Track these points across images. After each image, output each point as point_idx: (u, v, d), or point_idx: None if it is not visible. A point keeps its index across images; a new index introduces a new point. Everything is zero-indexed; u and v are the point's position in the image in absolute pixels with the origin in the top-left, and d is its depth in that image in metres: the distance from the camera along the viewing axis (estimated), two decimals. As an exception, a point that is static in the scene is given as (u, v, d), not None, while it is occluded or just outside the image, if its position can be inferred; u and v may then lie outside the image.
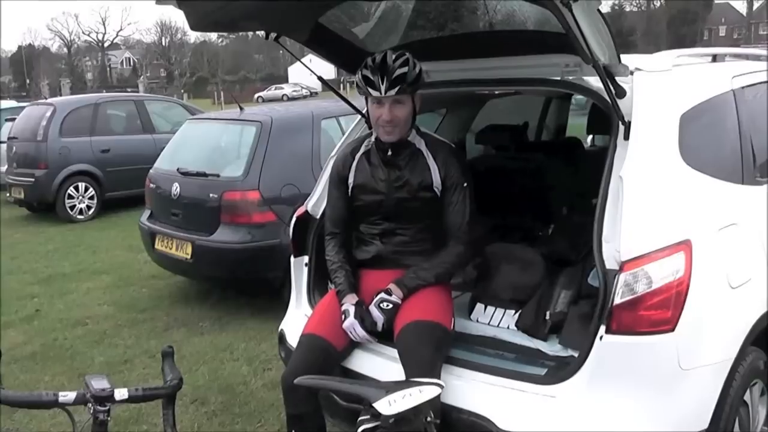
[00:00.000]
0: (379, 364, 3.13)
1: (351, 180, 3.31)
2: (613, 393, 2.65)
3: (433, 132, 3.76)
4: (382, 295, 3.14)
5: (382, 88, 3.00)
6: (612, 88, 2.78)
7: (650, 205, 2.75)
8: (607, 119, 2.94)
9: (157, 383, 2.24)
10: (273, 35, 3.35)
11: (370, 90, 3.03)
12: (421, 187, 3.18)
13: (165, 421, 2.22)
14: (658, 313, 2.61)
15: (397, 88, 3.00)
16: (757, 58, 4.39)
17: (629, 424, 2.63)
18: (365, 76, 3.03)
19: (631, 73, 2.96)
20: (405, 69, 3.00)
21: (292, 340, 3.53)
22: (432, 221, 3.23)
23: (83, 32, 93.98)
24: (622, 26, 72.41)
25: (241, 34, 77.50)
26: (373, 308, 3.14)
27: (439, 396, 2.49)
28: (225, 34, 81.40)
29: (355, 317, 3.15)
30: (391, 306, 3.12)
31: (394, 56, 3.02)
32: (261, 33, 3.45)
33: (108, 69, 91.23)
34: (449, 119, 4.97)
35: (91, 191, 11.78)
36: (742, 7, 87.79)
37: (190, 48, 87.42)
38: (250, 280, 6.29)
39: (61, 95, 36.42)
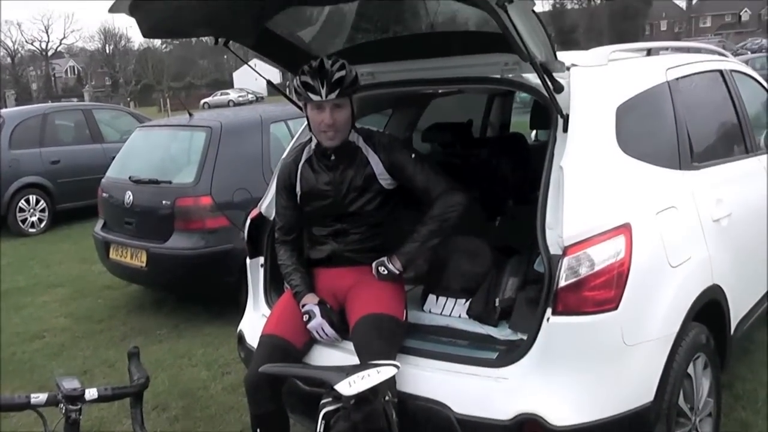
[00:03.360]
0: (338, 357, 3.21)
1: (298, 188, 3.37)
2: (562, 370, 2.77)
3: (381, 132, 3.85)
4: (383, 259, 3.23)
5: (323, 92, 3.06)
6: (549, 83, 2.90)
7: (590, 192, 2.88)
8: (548, 114, 3.07)
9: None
10: (222, 40, 3.42)
11: (311, 95, 3.09)
12: (366, 182, 3.25)
13: (133, 419, 2.28)
14: (602, 293, 2.74)
15: (336, 92, 3.06)
16: (692, 50, 4.58)
17: (578, 398, 2.75)
18: (304, 81, 3.09)
19: (568, 68, 3.09)
20: (343, 72, 3.07)
21: (252, 340, 3.59)
22: (383, 216, 3.32)
23: (26, 41, 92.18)
24: (564, 23, 73.25)
25: (185, 39, 76.77)
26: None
27: (395, 376, 2.59)
28: (169, 39, 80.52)
29: (323, 317, 3.22)
30: (387, 273, 3.22)
31: (330, 61, 3.09)
32: (208, 38, 3.50)
33: (53, 78, 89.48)
34: (395, 119, 5.06)
35: (43, 204, 11.60)
36: (681, 2, 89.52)
37: (134, 55, 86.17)
38: (206, 286, 6.32)
39: (6, 107, 35.64)
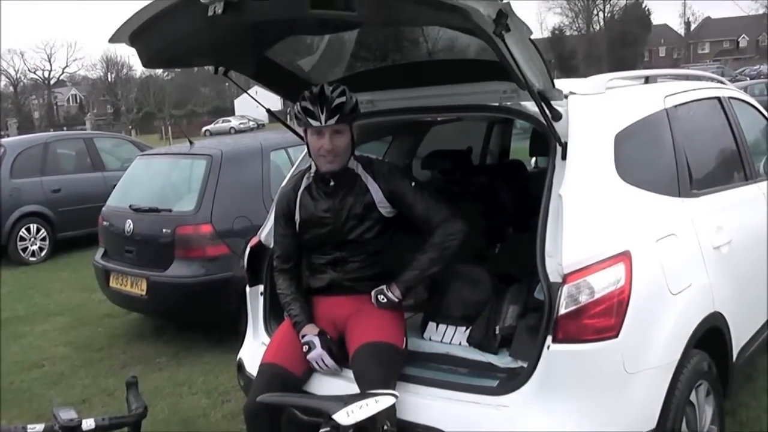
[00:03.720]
0: (338, 386, 3.19)
1: (297, 216, 3.37)
2: (562, 398, 2.77)
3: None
4: (382, 288, 3.23)
5: (322, 117, 3.08)
6: (547, 111, 2.92)
7: (589, 219, 2.89)
8: (547, 142, 3.08)
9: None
10: (222, 69, 3.44)
11: (311, 120, 3.11)
12: (366, 210, 3.25)
13: (131, 449, 2.28)
14: (602, 320, 2.74)
15: (336, 117, 3.08)
16: (687, 78, 4.60)
17: (580, 426, 2.74)
18: (305, 107, 3.11)
19: (566, 96, 3.10)
20: (343, 99, 3.09)
21: (251, 368, 3.58)
22: (382, 244, 3.32)
23: (29, 70, 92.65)
24: (564, 50, 73.72)
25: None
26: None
27: (394, 406, 2.58)
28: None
29: (323, 348, 3.22)
30: (386, 301, 3.21)
31: (331, 88, 3.11)
32: (209, 67, 3.53)
33: (55, 107, 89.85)
34: (395, 146, 5.08)
35: (43, 232, 11.59)
36: (680, 28, 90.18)
37: (136, 83, 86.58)
38: (206, 314, 6.30)
39: (8, 135, 35.78)
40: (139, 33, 2.91)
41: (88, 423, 2.16)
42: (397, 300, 3.23)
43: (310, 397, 2.81)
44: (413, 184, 3.31)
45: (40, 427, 2.13)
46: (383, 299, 3.22)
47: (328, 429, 2.30)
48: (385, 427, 2.49)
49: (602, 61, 66.48)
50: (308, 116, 3.11)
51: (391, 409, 2.56)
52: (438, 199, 3.32)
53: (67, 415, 2.14)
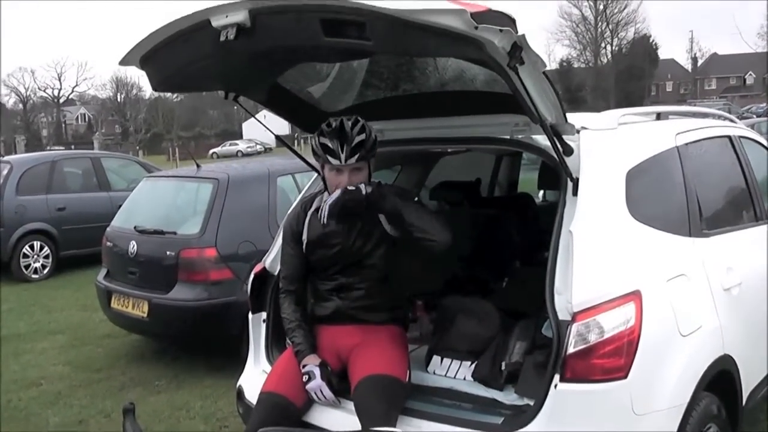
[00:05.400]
0: (339, 417, 3.16)
1: (305, 236, 3.35)
2: (569, 440, 2.71)
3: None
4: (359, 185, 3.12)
5: (342, 156, 3.06)
6: (559, 146, 2.90)
7: (600, 258, 2.85)
8: (557, 175, 3.05)
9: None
10: (232, 95, 3.42)
11: (330, 158, 3.09)
12: (374, 233, 3.24)
13: (127, 479, 2.24)
14: (611, 361, 2.70)
15: (356, 156, 3.06)
16: (700, 115, 4.58)
17: (585, 470, 2.68)
18: (323, 144, 3.09)
19: (578, 131, 3.08)
20: (363, 136, 3.07)
21: (251, 396, 3.53)
22: (387, 271, 3.28)
23: (39, 88, 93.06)
24: (571, 83, 73.97)
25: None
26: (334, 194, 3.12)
27: None
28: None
29: (322, 379, 3.17)
30: (354, 188, 3.09)
31: (350, 123, 3.08)
32: (219, 91, 3.51)
33: (63, 125, 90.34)
34: (404, 176, 5.06)
35: (47, 250, 11.59)
36: (687, 63, 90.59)
37: (146, 104, 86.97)
38: (207, 338, 6.25)
39: (16, 152, 35.97)
40: (149, 56, 2.91)
41: (84, 451, 2.12)
42: (363, 191, 3.10)
43: None
44: (417, 199, 3.29)
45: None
46: (351, 186, 3.10)
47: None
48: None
49: (610, 94, 66.71)
50: (327, 153, 3.09)
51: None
52: (436, 216, 3.28)
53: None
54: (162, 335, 6.83)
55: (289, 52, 3.06)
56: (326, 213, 3.13)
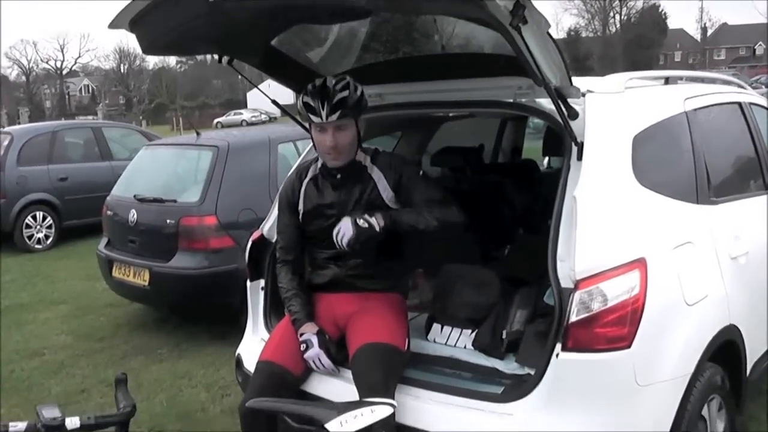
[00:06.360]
0: (337, 386, 3.12)
1: (301, 206, 3.29)
2: (569, 410, 2.66)
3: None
4: (365, 214, 3.08)
5: (323, 113, 2.98)
6: (564, 109, 2.82)
7: (604, 224, 2.78)
8: (562, 141, 2.97)
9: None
10: (226, 58, 3.34)
11: (312, 116, 3.02)
12: (372, 202, 3.16)
13: (118, 449, 2.19)
14: (614, 330, 2.63)
15: (338, 113, 2.98)
16: (709, 80, 4.48)
17: (586, 441, 2.63)
18: (306, 102, 3.02)
19: (583, 95, 2.99)
20: (345, 93, 2.99)
21: (249, 364, 3.49)
22: (385, 240, 3.20)
23: (42, 60, 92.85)
24: (579, 52, 73.49)
25: (199, 59, 77.53)
26: (345, 221, 3.07)
27: (392, 416, 2.48)
28: (183, 59, 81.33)
29: (320, 347, 3.12)
30: (367, 226, 3.05)
31: (334, 81, 3.01)
32: (215, 55, 3.43)
33: (67, 97, 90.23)
34: (404, 141, 5.00)
35: (49, 220, 11.58)
36: (696, 33, 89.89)
37: (149, 74, 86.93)
38: (208, 306, 6.22)
39: (19, 124, 35.93)
40: (138, 19, 2.83)
41: (73, 422, 2.07)
42: (377, 228, 3.05)
43: (302, 404, 2.70)
44: (420, 174, 3.24)
45: (23, 425, 2.04)
46: (364, 224, 3.05)
47: (319, 438, 2.20)
48: (381, 439, 2.39)
49: (617, 64, 66.25)
50: (309, 112, 3.02)
51: (389, 420, 2.47)
52: (444, 194, 3.22)
53: (50, 413, 2.05)
54: (163, 304, 6.81)
55: (281, 12, 2.97)
56: (344, 244, 3.07)
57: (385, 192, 3.17)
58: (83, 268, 9.54)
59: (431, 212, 3.11)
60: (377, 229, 3.05)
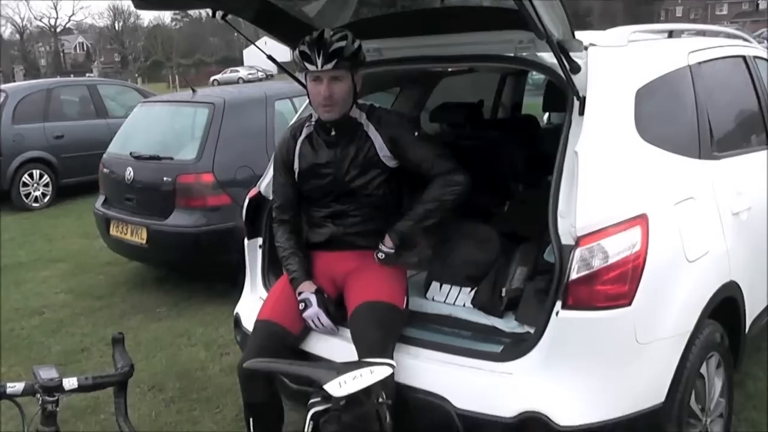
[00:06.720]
0: (336, 345, 3.11)
1: (296, 165, 3.24)
2: (570, 368, 2.65)
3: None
4: (379, 245, 3.12)
5: (319, 62, 2.93)
6: (566, 63, 2.76)
7: (605, 179, 2.74)
8: (563, 96, 2.91)
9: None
10: (220, 13, 3.27)
11: (307, 65, 2.97)
12: (368, 160, 3.12)
13: (117, 409, 2.19)
14: (615, 287, 2.61)
15: (333, 62, 2.93)
16: (713, 33, 4.41)
17: (586, 397, 2.63)
18: (302, 51, 2.97)
19: (586, 48, 2.93)
20: (343, 43, 2.93)
21: (248, 323, 3.49)
22: (385, 197, 3.19)
23: (35, 17, 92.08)
24: (578, 7, 72.65)
25: (194, 15, 76.82)
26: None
27: (391, 376, 2.47)
28: (179, 17, 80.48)
29: (319, 306, 3.10)
30: (384, 257, 3.10)
31: (331, 32, 2.96)
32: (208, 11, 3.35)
33: (62, 54, 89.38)
34: (403, 97, 4.93)
35: (46, 178, 11.54)
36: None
37: (144, 32, 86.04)
38: (207, 264, 6.21)
39: (14, 82, 35.66)
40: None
41: (70, 382, 2.05)
42: (392, 251, 3.10)
43: (300, 365, 2.69)
44: (417, 134, 3.19)
45: (20, 386, 2.02)
46: (381, 255, 3.11)
47: (318, 399, 2.18)
48: (380, 399, 2.37)
49: (618, 19, 65.56)
50: (305, 60, 2.97)
51: (388, 380, 2.46)
52: (441, 151, 3.18)
53: (47, 374, 2.03)
54: (162, 262, 6.82)
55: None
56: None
57: (381, 150, 3.12)
58: (81, 226, 9.53)
59: (441, 195, 3.10)
60: (392, 252, 3.12)
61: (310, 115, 3.26)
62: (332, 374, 2.18)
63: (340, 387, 2.13)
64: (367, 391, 2.18)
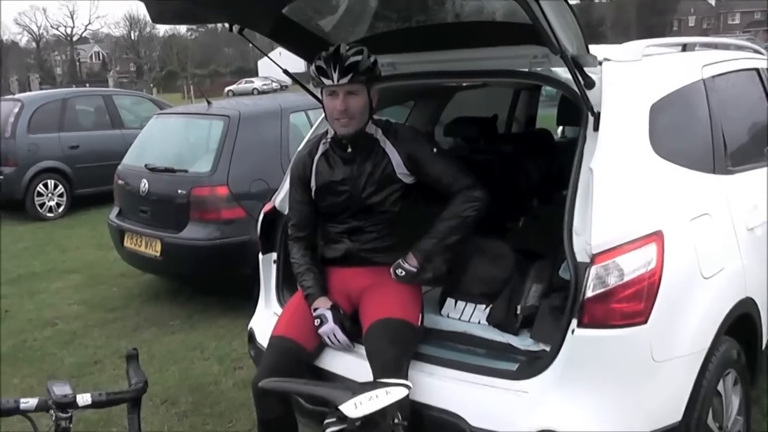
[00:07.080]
0: (351, 362, 3.10)
1: (313, 183, 3.24)
2: (586, 386, 2.63)
3: (402, 125, 3.71)
4: (399, 261, 3.10)
5: (335, 76, 2.93)
6: (581, 78, 2.74)
7: (621, 196, 2.72)
8: (577, 110, 2.90)
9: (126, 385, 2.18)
10: (237, 27, 3.28)
11: (323, 79, 2.98)
12: (385, 177, 3.12)
13: (130, 425, 2.17)
14: (631, 305, 2.59)
15: (349, 76, 2.93)
16: (726, 47, 4.39)
17: (602, 418, 2.60)
18: (318, 66, 2.97)
19: (600, 63, 2.92)
20: (358, 57, 2.94)
21: (262, 339, 3.48)
22: (401, 213, 3.18)
23: (52, 26, 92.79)
24: (591, 17, 72.71)
25: (210, 26, 77.08)
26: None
27: (407, 397, 2.45)
28: (194, 27, 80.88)
29: (335, 322, 3.10)
30: (404, 274, 3.09)
31: (347, 46, 2.97)
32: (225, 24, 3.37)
33: (77, 63, 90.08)
34: (417, 111, 4.93)
35: (61, 188, 11.58)
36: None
37: (160, 42, 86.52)
38: (221, 278, 6.22)
39: (30, 90, 35.89)
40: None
41: (84, 398, 2.05)
42: (414, 270, 3.09)
43: (316, 384, 2.68)
44: (434, 150, 3.17)
45: (34, 401, 2.02)
46: (401, 272, 3.09)
47: (333, 420, 2.17)
48: (396, 421, 2.36)
49: (630, 29, 65.49)
50: (321, 75, 2.98)
51: (403, 401, 2.44)
52: (459, 166, 3.17)
53: (61, 390, 2.02)
54: (175, 275, 6.83)
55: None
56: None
57: (399, 167, 3.12)
58: (95, 237, 9.56)
59: (462, 211, 3.08)
60: (415, 270, 3.09)
61: (326, 132, 3.26)
62: (347, 395, 2.17)
63: (355, 408, 2.11)
64: (382, 413, 2.17)
